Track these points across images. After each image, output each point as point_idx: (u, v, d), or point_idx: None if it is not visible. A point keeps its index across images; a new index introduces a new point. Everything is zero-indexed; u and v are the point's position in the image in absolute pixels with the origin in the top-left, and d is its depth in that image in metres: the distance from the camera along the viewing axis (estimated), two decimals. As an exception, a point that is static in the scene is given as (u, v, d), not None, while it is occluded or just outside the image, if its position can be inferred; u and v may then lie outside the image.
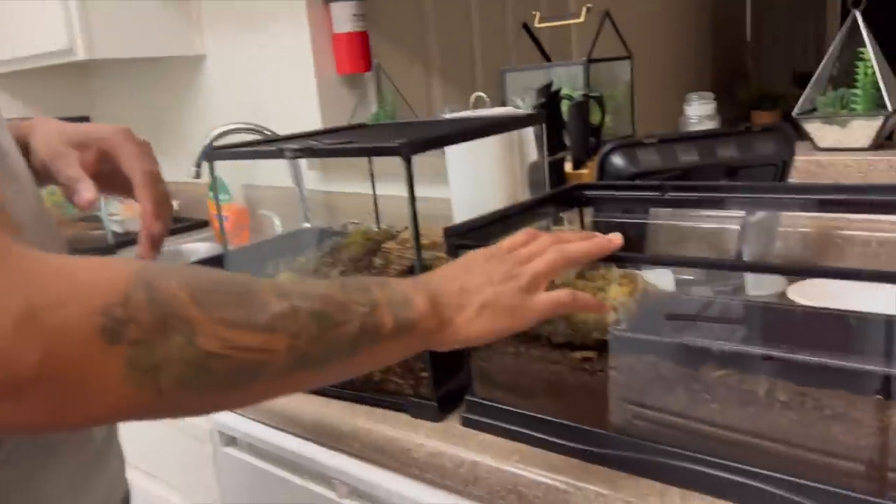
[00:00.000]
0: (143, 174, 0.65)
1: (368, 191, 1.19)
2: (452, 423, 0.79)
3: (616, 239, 0.63)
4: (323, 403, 0.86)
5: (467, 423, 0.78)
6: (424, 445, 0.76)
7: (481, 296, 0.56)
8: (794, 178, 0.99)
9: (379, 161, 1.63)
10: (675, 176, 0.96)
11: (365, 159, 1.21)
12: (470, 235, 0.77)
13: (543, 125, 0.99)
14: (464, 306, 0.55)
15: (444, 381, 0.80)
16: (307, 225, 1.65)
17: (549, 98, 1.11)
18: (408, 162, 0.75)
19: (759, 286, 1.01)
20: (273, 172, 1.79)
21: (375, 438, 0.80)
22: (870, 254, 1.02)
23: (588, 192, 0.92)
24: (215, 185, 1.08)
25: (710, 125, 1.29)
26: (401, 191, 0.76)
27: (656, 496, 0.62)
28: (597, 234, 0.64)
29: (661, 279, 0.89)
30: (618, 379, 0.73)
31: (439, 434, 0.77)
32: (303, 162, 1.72)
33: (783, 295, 0.99)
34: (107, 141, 0.65)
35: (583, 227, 0.96)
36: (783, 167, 0.97)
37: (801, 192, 0.79)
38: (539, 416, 0.73)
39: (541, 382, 0.77)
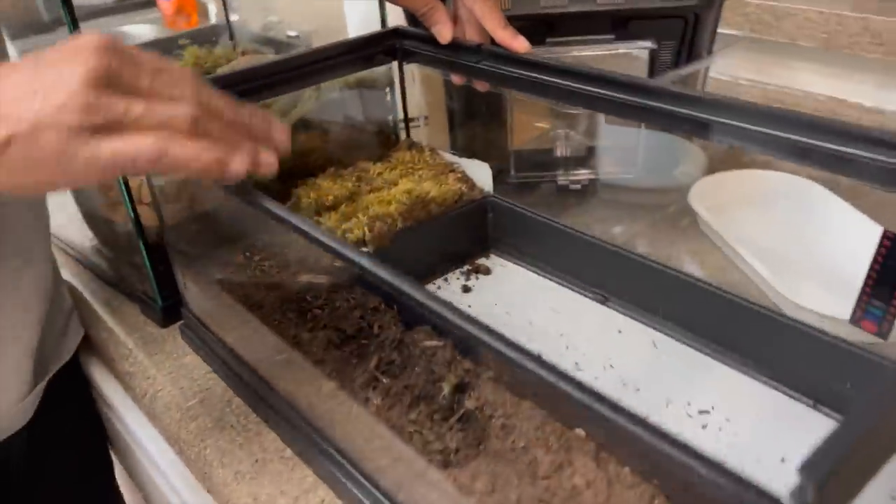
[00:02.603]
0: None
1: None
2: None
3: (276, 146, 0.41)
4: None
5: (185, 336, 0.65)
6: (129, 356, 0.64)
7: (12, 125, 0.35)
8: (717, 47, 0.70)
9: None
10: (533, 27, 0.69)
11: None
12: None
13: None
14: None
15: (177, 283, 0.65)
16: (235, 18, 1.43)
17: None
18: None
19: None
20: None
21: (96, 326, 0.69)
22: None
23: (407, 43, 0.68)
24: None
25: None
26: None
27: (291, 496, 0.48)
28: (262, 119, 0.41)
29: (479, 173, 0.67)
30: (321, 317, 0.56)
31: (150, 347, 0.64)
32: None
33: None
34: None
35: (402, 80, 0.72)
36: (696, 22, 0.68)
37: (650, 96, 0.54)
38: (236, 351, 0.59)
39: (258, 307, 0.62)
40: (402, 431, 0.47)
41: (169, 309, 0.66)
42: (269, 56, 0.89)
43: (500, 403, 0.45)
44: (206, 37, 0.98)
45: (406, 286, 0.36)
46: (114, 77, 0.36)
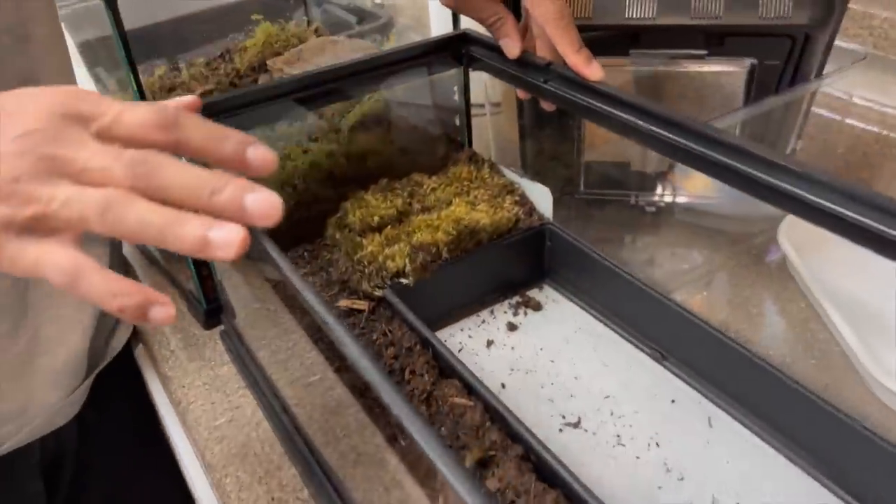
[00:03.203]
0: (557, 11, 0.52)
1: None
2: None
3: (220, 249, 0.31)
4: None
5: (224, 342, 0.64)
6: (170, 358, 0.64)
7: None
8: (829, 69, 0.60)
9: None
10: (616, 38, 0.62)
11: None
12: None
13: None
14: None
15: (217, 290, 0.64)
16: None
17: None
18: None
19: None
20: None
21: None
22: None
23: (474, 49, 0.62)
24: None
25: None
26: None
27: None
28: (225, 181, 0.31)
29: (540, 197, 0.62)
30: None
31: (190, 351, 0.64)
32: None
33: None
34: None
35: (466, 87, 0.67)
36: (805, 42, 0.59)
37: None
38: (268, 373, 0.57)
39: (295, 326, 0.60)
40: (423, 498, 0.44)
41: (212, 312, 0.65)
42: (339, 38, 0.85)
43: (523, 490, 0.41)
44: (279, 11, 0.95)
45: (377, 378, 0.32)
46: (56, 155, 0.32)
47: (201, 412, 0.58)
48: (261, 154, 0.33)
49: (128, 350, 0.71)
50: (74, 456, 0.68)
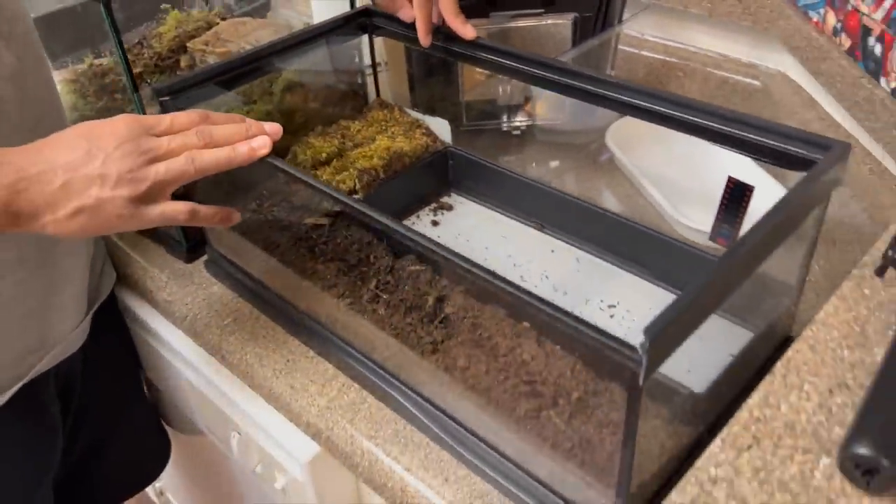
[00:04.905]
0: None
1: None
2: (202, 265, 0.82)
3: (262, 149, 0.58)
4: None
5: (209, 269, 0.81)
6: (165, 287, 0.80)
7: (81, 200, 0.51)
8: (629, 15, 0.87)
9: None
10: (479, 4, 0.84)
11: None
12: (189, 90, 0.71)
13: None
14: (56, 205, 0.50)
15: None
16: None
17: None
18: None
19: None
20: None
21: (131, 266, 0.83)
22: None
23: (376, 20, 0.82)
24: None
25: None
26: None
27: (319, 384, 0.67)
28: (249, 125, 0.59)
29: (440, 128, 0.84)
30: (327, 250, 0.73)
31: (181, 280, 0.80)
32: None
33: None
34: None
35: (372, 51, 0.87)
36: (608, 1, 0.84)
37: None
38: (259, 279, 0.75)
39: (274, 243, 0.78)
40: (400, 332, 0.65)
41: (192, 248, 0.81)
42: (246, 19, 1.01)
43: (470, 308, 0.63)
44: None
45: (397, 226, 0.53)
46: (146, 149, 0.53)
47: (209, 318, 0.75)
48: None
49: (113, 298, 0.85)
50: (81, 381, 0.82)
